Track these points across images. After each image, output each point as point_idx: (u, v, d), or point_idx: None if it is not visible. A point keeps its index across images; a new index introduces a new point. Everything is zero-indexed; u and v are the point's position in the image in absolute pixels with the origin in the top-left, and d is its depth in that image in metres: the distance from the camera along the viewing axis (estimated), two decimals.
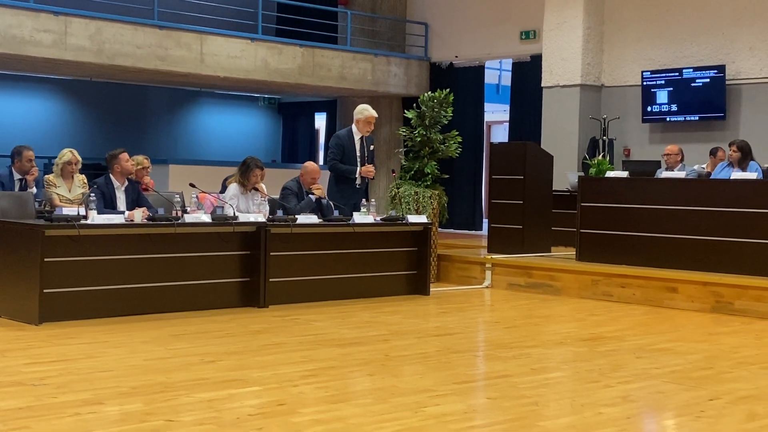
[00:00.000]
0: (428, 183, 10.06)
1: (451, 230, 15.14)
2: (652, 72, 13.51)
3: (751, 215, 8.75)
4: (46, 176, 8.60)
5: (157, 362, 5.67)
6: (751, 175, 9.03)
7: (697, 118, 13.19)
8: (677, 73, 13.28)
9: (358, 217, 8.73)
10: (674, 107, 13.33)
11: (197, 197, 8.10)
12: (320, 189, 9.08)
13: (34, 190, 8.59)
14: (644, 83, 13.57)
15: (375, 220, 8.88)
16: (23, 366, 5.46)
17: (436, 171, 10.10)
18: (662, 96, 13.42)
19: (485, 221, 14.12)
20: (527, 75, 15.30)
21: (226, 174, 9.38)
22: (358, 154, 9.33)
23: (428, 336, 7.03)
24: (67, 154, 8.50)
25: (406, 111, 10.64)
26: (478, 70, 16.33)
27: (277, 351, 6.16)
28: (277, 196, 9.05)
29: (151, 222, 7.45)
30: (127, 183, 8.03)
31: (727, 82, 12.83)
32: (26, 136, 14.99)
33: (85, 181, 8.66)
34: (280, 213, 8.35)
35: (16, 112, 17.09)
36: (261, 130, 20.63)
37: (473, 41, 16.03)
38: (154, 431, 4.18)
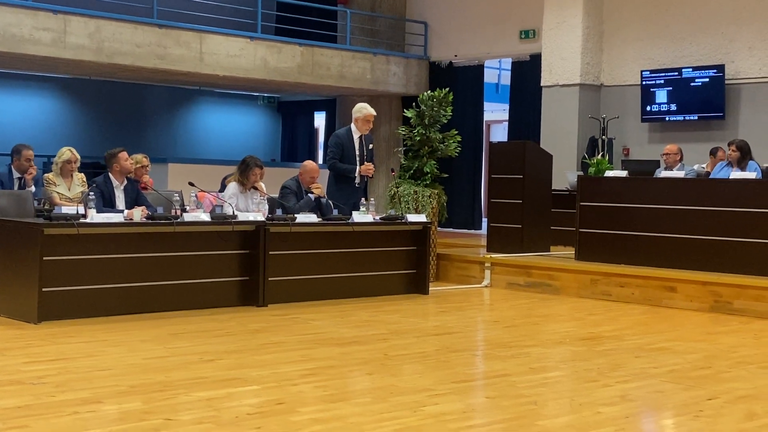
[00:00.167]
0: (427, 182, 10.06)
1: (451, 229, 15.14)
2: (652, 71, 13.52)
3: (750, 215, 8.75)
4: (46, 175, 8.60)
5: (156, 361, 5.67)
6: (750, 174, 9.03)
7: (696, 117, 13.19)
8: (676, 73, 13.28)
9: (358, 217, 8.73)
10: (673, 107, 13.34)
11: (196, 196, 8.09)
12: (319, 188, 9.08)
13: (33, 188, 8.59)
14: (643, 83, 13.57)
15: (374, 219, 8.88)
16: (22, 365, 5.46)
17: (436, 170, 10.10)
18: (661, 95, 13.43)
19: (484, 220, 14.12)
20: (527, 74, 15.31)
21: (225, 173, 9.39)
22: (357, 153, 9.32)
23: (427, 335, 7.04)
24: (67, 152, 8.50)
25: (405, 110, 10.64)
26: (478, 70, 16.33)
27: (276, 350, 6.16)
28: (276, 195, 9.05)
29: (150, 221, 7.45)
30: (126, 182, 8.02)
31: (726, 82, 12.84)
32: (25, 134, 14.99)
33: (85, 179, 8.66)
34: (279, 212, 8.35)
35: (15, 110, 17.08)
36: (260, 129, 20.63)
37: (473, 40, 16.03)
38: (153, 430, 4.17)
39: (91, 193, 7.41)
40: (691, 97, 13.11)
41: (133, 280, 7.39)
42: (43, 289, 6.85)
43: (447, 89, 10.32)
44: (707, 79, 12.99)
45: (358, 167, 9.29)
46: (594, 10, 14.06)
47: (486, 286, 9.97)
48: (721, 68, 12.86)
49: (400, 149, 10.78)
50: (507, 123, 16.54)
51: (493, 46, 15.79)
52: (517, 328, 7.54)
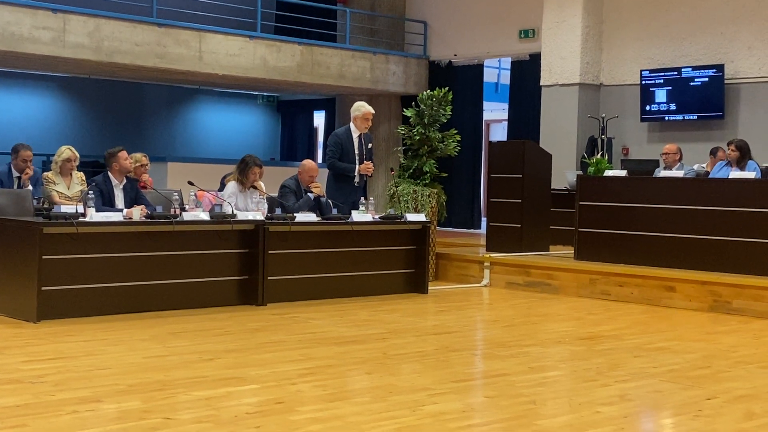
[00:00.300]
0: (427, 181, 10.06)
1: (450, 229, 15.14)
2: (651, 71, 13.52)
3: (750, 214, 8.76)
4: (45, 173, 8.59)
5: (155, 360, 5.67)
6: (750, 174, 9.03)
7: (695, 117, 13.19)
8: (676, 72, 13.28)
9: (357, 216, 8.73)
10: (673, 106, 13.34)
11: (195, 195, 8.10)
12: (319, 187, 9.08)
13: (30, 188, 8.58)
14: (643, 82, 13.57)
15: (373, 218, 8.88)
16: (21, 363, 5.46)
17: (435, 169, 10.10)
18: (661, 95, 13.43)
19: (484, 220, 14.12)
20: (526, 74, 15.31)
21: (224, 172, 9.39)
22: (356, 152, 9.32)
23: (426, 334, 7.04)
24: (66, 151, 8.50)
25: (404, 109, 10.64)
26: (477, 69, 16.33)
27: (276, 349, 6.16)
28: (275, 194, 9.05)
29: (149, 220, 7.45)
30: (125, 181, 8.02)
31: (725, 82, 12.83)
32: (25, 133, 15.01)
33: (84, 178, 8.66)
34: (278, 211, 8.35)
35: (15, 109, 17.08)
36: (260, 128, 20.63)
37: (472, 40, 16.03)
38: (152, 429, 4.17)
39: (91, 192, 7.40)
40: (691, 96, 13.11)
41: (133, 279, 7.39)
42: (43, 288, 6.85)
43: (446, 88, 10.31)
44: (706, 79, 12.99)
45: (357, 166, 9.28)
46: (593, 9, 14.06)
47: (485, 286, 9.97)
48: (720, 68, 12.86)
49: (399, 148, 10.78)
50: (506, 122, 16.54)
51: (493, 45, 15.78)
52: (516, 328, 7.54)
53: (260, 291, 7.95)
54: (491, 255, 10.21)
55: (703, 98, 13.01)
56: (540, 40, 14.55)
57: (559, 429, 4.41)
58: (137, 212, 7.43)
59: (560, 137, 13.85)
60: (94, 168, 13.35)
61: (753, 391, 5.32)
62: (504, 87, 17.38)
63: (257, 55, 14.71)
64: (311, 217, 8.49)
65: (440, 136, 10.13)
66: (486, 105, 16.77)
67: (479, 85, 16.35)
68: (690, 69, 13.16)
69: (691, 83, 13.12)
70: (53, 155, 8.71)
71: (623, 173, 10.19)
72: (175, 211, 7.63)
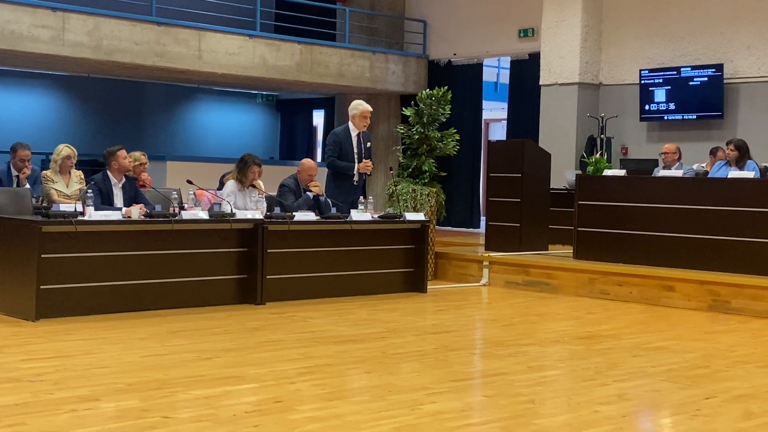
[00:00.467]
0: (426, 180, 10.06)
1: (449, 228, 15.15)
2: (650, 70, 13.52)
3: (749, 214, 8.76)
4: (43, 172, 8.59)
5: (153, 359, 5.67)
6: (749, 174, 9.04)
7: (694, 116, 13.19)
8: (675, 72, 13.28)
9: (356, 215, 8.73)
10: (672, 106, 13.34)
11: (194, 194, 8.09)
12: (318, 186, 9.08)
13: (28, 186, 8.58)
14: (642, 82, 13.57)
15: (372, 217, 8.88)
16: (19, 362, 5.46)
17: (434, 169, 10.10)
18: (660, 94, 13.43)
19: (483, 219, 14.12)
20: (525, 73, 15.31)
21: (223, 171, 9.38)
22: (355, 150, 9.32)
23: (425, 333, 7.04)
24: (65, 149, 8.51)
25: (404, 108, 10.65)
26: (477, 68, 16.34)
27: (274, 348, 6.16)
28: (274, 193, 9.05)
29: (148, 219, 7.45)
30: (124, 180, 8.01)
31: (725, 81, 12.84)
32: (24, 132, 15.00)
33: (82, 177, 8.65)
34: (277, 210, 8.35)
35: (14, 108, 17.07)
36: (259, 127, 20.62)
37: (472, 39, 16.03)
38: (150, 428, 4.17)
39: (90, 190, 7.40)
40: (690, 96, 13.11)
41: (131, 278, 7.39)
42: (41, 287, 6.85)
43: (446, 88, 10.32)
44: (706, 79, 12.99)
45: (356, 165, 9.29)
46: (593, 8, 14.06)
47: (484, 285, 9.97)
48: (719, 67, 12.86)
49: (398, 148, 10.78)
50: (506, 121, 16.54)
51: (492, 44, 15.79)
52: (515, 327, 7.55)
53: (259, 290, 7.95)
54: (490, 254, 10.21)
55: (702, 98, 13.02)
56: (539, 39, 14.55)
57: (557, 428, 4.41)
58: (136, 211, 7.43)
59: (559, 136, 13.86)
60: (93, 167, 13.34)
61: (751, 391, 5.32)
62: (503, 86, 17.39)
63: (257, 54, 14.71)
64: (310, 216, 8.49)
65: (439, 135, 10.13)
66: (485, 104, 16.77)
67: (478, 84, 16.36)
68: (689, 68, 13.16)
69: (691, 83, 13.12)
70: (52, 154, 8.71)
71: (622, 173, 10.19)
72: (174, 210, 7.63)
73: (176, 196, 8.22)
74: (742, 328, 7.63)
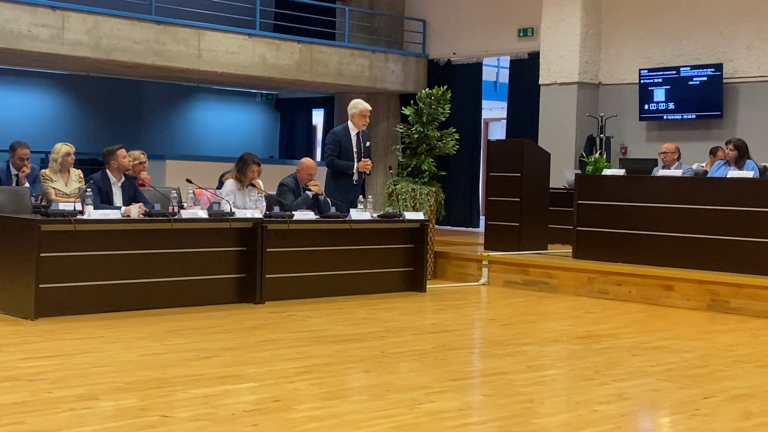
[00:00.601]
0: (425, 180, 10.06)
1: (448, 227, 15.15)
2: (650, 70, 13.51)
3: (748, 214, 8.76)
4: (42, 171, 8.58)
5: (152, 358, 5.67)
6: (748, 173, 9.04)
7: (694, 116, 13.19)
8: (675, 72, 13.28)
9: (355, 214, 8.73)
10: (671, 105, 13.34)
11: (194, 193, 8.09)
12: (317, 185, 9.08)
13: (27, 185, 8.57)
14: (642, 81, 13.57)
15: (372, 216, 8.88)
16: (18, 361, 5.46)
17: (434, 168, 10.10)
18: (659, 94, 13.43)
19: (482, 218, 14.12)
20: (525, 72, 15.31)
21: (223, 170, 9.38)
22: (354, 149, 9.33)
23: (424, 333, 7.04)
24: (64, 146, 8.50)
25: (403, 108, 10.64)
26: (476, 67, 16.33)
27: (273, 347, 6.16)
28: (274, 192, 9.05)
29: (147, 218, 7.44)
30: (123, 179, 8.01)
31: (724, 81, 12.84)
32: (23, 131, 14.99)
33: (81, 175, 8.65)
34: (276, 209, 8.35)
35: (13, 106, 17.07)
36: (258, 126, 20.62)
37: (471, 38, 16.03)
38: (149, 427, 4.17)
39: (89, 189, 7.40)
40: (689, 95, 13.11)
41: (130, 277, 7.38)
42: (40, 286, 6.85)
43: (445, 87, 10.32)
44: (705, 78, 12.99)
45: (355, 164, 9.29)
46: (592, 8, 14.06)
47: (483, 284, 9.97)
48: (719, 67, 12.86)
49: (398, 147, 10.78)
50: (505, 121, 16.54)
51: (492, 44, 15.78)
52: (514, 326, 7.54)
53: (258, 289, 7.95)
54: (489, 253, 10.21)
55: (701, 97, 13.01)
56: (539, 38, 14.55)
57: (556, 428, 4.41)
58: (135, 210, 7.43)
59: (559, 136, 13.85)
60: (93, 166, 13.35)
61: (750, 390, 5.32)
62: (503, 85, 17.39)
63: (256, 53, 14.71)
64: (309, 215, 8.49)
65: (439, 134, 10.13)
66: (485, 103, 16.77)
67: (478, 83, 16.36)
68: (689, 68, 13.16)
69: (690, 82, 13.12)
70: (50, 153, 8.69)
71: (622, 172, 10.19)
72: (173, 209, 7.63)
73: (175, 195, 8.22)
74: (741, 328, 7.63)
